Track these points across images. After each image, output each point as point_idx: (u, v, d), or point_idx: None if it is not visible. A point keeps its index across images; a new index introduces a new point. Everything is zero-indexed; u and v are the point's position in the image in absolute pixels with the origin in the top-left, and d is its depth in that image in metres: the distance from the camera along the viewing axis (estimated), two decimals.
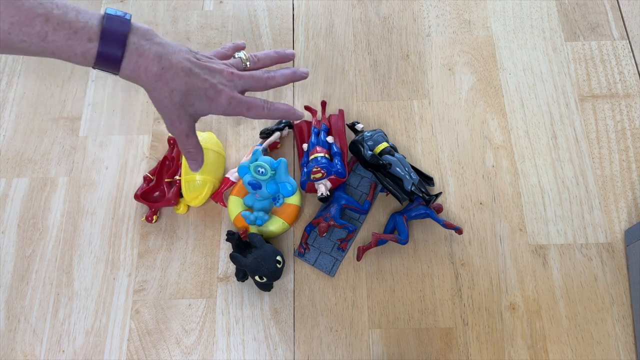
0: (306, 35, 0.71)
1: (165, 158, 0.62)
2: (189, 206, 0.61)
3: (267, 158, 0.57)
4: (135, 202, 0.62)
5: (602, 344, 0.54)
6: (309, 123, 0.64)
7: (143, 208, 0.62)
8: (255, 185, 0.57)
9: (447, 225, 0.57)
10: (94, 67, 0.43)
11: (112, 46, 0.42)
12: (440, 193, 0.59)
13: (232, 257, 0.54)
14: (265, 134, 0.62)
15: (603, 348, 0.54)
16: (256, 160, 0.56)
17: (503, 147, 0.63)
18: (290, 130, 0.64)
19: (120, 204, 0.62)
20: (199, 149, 0.51)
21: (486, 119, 0.65)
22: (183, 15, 0.73)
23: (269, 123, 0.66)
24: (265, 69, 0.53)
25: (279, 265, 0.54)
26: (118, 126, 0.66)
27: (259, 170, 0.56)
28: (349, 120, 0.65)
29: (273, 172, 0.56)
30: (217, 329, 0.56)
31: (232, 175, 0.60)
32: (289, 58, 0.54)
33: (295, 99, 0.67)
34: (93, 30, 0.42)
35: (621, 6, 0.71)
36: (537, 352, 0.54)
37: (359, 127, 0.62)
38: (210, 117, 0.66)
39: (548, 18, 0.70)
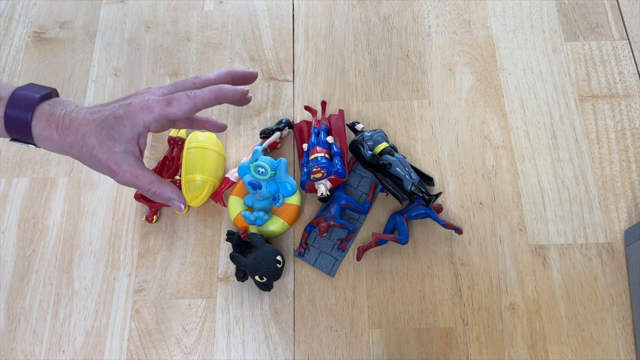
0: (306, 35, 0.71)
1: (165, 158, 0.62)
2: (189, 206, 0.61)
3: (267, 158, 0.57)
4: (135, 202, 0.62)
5: (602, 344, 0.54)
6: (309, 123, 0.64)
7: (143, 208, 0.62)
8: (255, 185, 0.57)
9: (447, 225, 0.57)
10: (10, 138, 0.41)
11: (19, 108, 0.40)
12: (440, 193, 0.59)
13: (232, 257, 0.54)
14: (265, 134, 0.62)
15: (603, 348, 0.54)
16: (256, 160, 0.56)
17: (503, 147, 0.63)
18: (290, 130, 0.64)
19: (120, 204, 0.62)
20: (161, 184, 0.44)
21: (486, 119, 0.65)
22: (183, 15, 0.73)
23: (269, 123, 0.66)
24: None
25: (279, 265, 0.54)
26: None
27: (259, 170, 0.56)
28: (349, 120, 0.65)
29: (273, 172, 0.56)
30: (217, 329, 0.56)
31: (232, 175, 0.60)
32: (228, 94, 0.44)
33: (296, 99, 0.67)
34: (5, 92, 0.41)
35: (621, 6, 0.71)
36: (537, 352, 0.54)
37: (359, 127, 0.62)
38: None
39: (548, 18, 0.70)
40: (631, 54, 0.67)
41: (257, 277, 0.54)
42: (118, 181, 0.43)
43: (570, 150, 0.63)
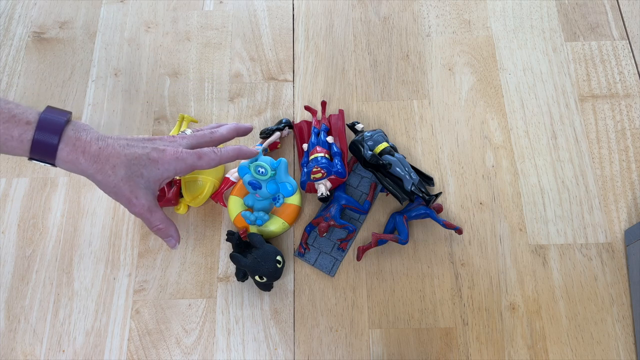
0: (306, 35, 0.71)
1: None
2: (189, 206, 0.61)
3: (267, 158, 0.56)
4: None
5: (602, 344, 0.54)
6: (309, 123, 0.64)
7: None
8: (256, 185, 0.57)
9: (447, 225, 0.57)
10: (29, 156, 0.44)
11: (48, 133, 0.43)
12: (440, 193, 0.59)
13: (232, 257, 0.54)
14: (265, 134, 0.62)
15: (603, 348, 0.54)
16: (256, 160, 0.56)
17: (503, 147, 0.63)
18: (290, 130, 0.64)
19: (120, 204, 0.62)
20: (168, 223, 0.49)
21: (486, 119, 0.65)
22: (183, 15, 0.73)
23: (269, 123, 0.66)
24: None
25: (279, 265, 0.54)
26: (118, 126, 0.66)
27: (259, 170, 0.56)
28: (349, 120, 0.65)
29: (273, 172, 0.56)
30: (217, 329, 0.56)
31: (232, 175, 0.60)
32: (243, 133, 0.56)
33: (296, 99, 0.67)
34: (32, 116, 0.43)
35: (621, 6, 0.71)
36: (537, 352, 0.54)
37: (359, 127, 0.62)
38: (210, 116, 0.66)
39: (548, 18, 0.70)
40: (631, 54, 0.67)
41: (257, 277, 0.54)
42: (132, 211, 0.47)
43: (570, 150, 0.63)
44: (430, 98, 0.66)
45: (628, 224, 0.59)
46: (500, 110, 0.65)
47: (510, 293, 0.56)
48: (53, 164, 0.45)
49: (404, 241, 0.56)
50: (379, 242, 0.57)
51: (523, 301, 0.56)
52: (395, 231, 0.58)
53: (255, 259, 0.53)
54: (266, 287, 0.56)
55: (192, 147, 0.50)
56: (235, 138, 0.58)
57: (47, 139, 0.43)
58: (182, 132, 0.54)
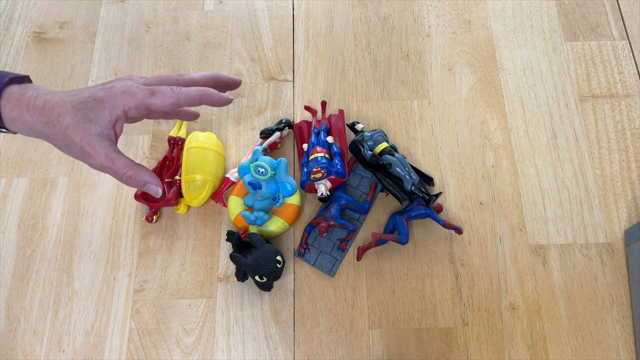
0: (306, 35, 0.71)
1: (165, 158, 0.62)
2: (189, 206, 0.61)
3: (267, 158, 0.56)
4: (135, 202, 0.62)
5: (602, 344, 0.54)
6: (309, 123, 0.64)
7: (143, 208, 0.62)
8: (256, 185, 0.57)
9: (447, 225, 0.57)
10: None
11: None
12: (440, 193, 0.59)
13: (232, 257, 0.54)
14: (265, 134, 0.62)
15: (603, 348, 0.54)
16: (256, 160, 0.56)
17: (503, 147, 0.63)
18: (290, 130, 0.64)
19: (120, 204, 0.62)
20: (137, 168, 0.43)
21: (486, 119, 0.65)
22: (183, 15, 0.73)
23: (269, 123, 0.66)
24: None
25: (279, 265, 0.54)
26: None
27: (259, 170, 0.56)
28: (349, 120, 0.65)
29: (273, 172, 0.56)
30: (217, 329, 0.56)
31: (232, 175, 0.60)
32: (213, 98, 0.44)
33: (296, 99, 0.67)
34: None
35: (621, 6, 0.71)
36: (537, 352, 0.54)
37: (359, 127, 0.62)
38: (210, 116, 0.66)
39: (548, 18, 0.70)
40: (631, 54, 0.67)
41: (257, 277, 0.54)
42: (91, 165, 0.41)
43: (570, 150, 0.63)
44: (430, 98, 0.66)
45: (628, 224, 0.59)
46: (500, 110, 0.65)
47: (510, 293, 0.56)
48: (4, 127, 0.41)
49: (404, 241, 0.56)
50: (379, 242, 0.57)
51: (523, 301, 0.56)
52: (395, 231, 0.58)
53: (255, 259, 0.53)
54: (266, 287, 0.56)
55: (150, 85, 0.42)
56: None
57: None
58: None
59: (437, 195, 0.58)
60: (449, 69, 0.68)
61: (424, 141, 0.64)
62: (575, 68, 0.67)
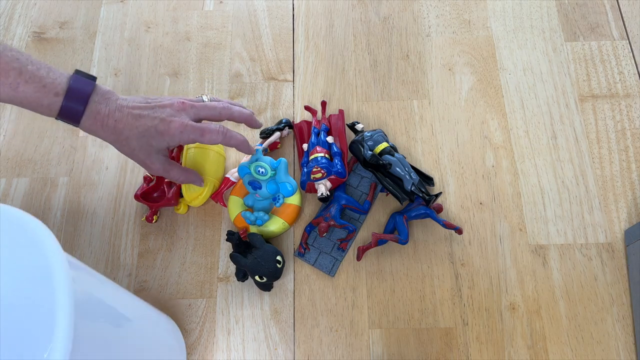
0: (306, 35, 0.71)
1: None
2: (189, 206, 0.61)
3: (267, 158, 0.56)
4: (135, 202, 0.62)
5: (602, 344, 0.54)
6: (309, 123, 0.64)
7: (143, 208, 0.62)
8: (255, 185, 0.57)
9: (447, 225, 0.57)
10: (56, 118, 0.48)
11: (74, 102, 0.47)
12: (440, 193, 0.59)
13: (232, 257, 0.54)
14: (265, 134, 0.62)
15: (603, 348, 0.54)
16: (256, 160, 0.56)
17: (503, 147, 0.63)
18: (290, 130, 0.64)
19: (120, 204, 0.62)
20: (186, 173, 0.54)
21: (486, 119, 0.65)
22: (183, 15, 0.73)
23: (269, 123, 0.66)
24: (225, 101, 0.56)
25: (279, 265, 0.54)
26: None
27: (259, 170, 0.56)
28: (349, 120, 0.65)
29: (273, 172, 0.56)
30: (217, 329, 0.56)
31: (232, 175, 0.60)
32: (247, 120, 0.55)
33: (296, 99, 0.67)
34: (60, 87, 0.47)
35: (621, 6, 0.71)
36: (537, 352, 0.54)
37: (359, 127, 0.62)
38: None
39: (548, 18, 0.70)
40: (631, 54, 0.67)
41: (257, 277, 0.54)
42: (151, 172, 0.52)
43: (570, 150, 0.63)
44: (430, 98, 0.66)
45: (628, 224, 0.59)
46: (500, 110, 0.65)
47: (510, 293, 0.56)
48: (77, 126, 0.49)
49: (404, 241, 0.56)
50: (379, 242, 0.57)
51: (523, 301, 0.56)
52: (395, 231, 0.58)
53: (255, 259, 0.53)
54: (266, 287, 0.56)
55: (199, 119, 0.52)
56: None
57: (73, 111, 0.47)
58: (199, 97, 0.55)
59: (437, 195, 0.58)
60: (449, 69, 0.68)
61: (424, 141, 0.64)
62: (575, 68, 0.67)
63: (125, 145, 0.50)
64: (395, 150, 0.61)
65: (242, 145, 0.53)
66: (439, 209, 0.59)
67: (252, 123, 0.55)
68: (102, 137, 0.50)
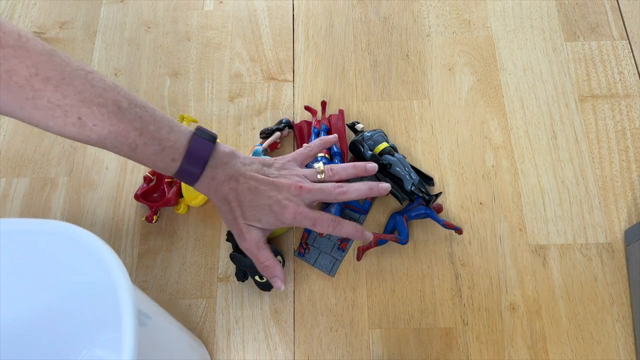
0: (306, 35, 0.71)
1: None
2: (189, 206, 0.61)
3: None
4: (135, 202, 0.62)
5: (602, 344, 0.54)
6: (309, 123, 0.64)
7: (143, 208, 0.62)
8: None
9: (447, 225, 0.57)
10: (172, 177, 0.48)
11: (192, 166, 0.46)
12: (440, 193, 0.59)
13: (232, 257, 0.54)
14: (265, 134, 0.62)
15: (603, 348, 0.54)
16: None
17: (503, 147, 0.63)
18: (290, 130, 0.64)
19: (120, 204, 0.62)
20: (275, 262, 0.50)
21: (486, 119, 0.65)
22: (183, 15, 0.73)
23: (269, 123, 0.66)
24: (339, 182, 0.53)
25: None
26: None
27: None
28: (349, 120, 0.65)
29: None
30: (217, 329, 0.56)
31: None
32: (369, 173, 0.54)
33: (296, 99, 0.67)
34: (179, 152, 0.45)
35: (621, 6, 0.71)
36: (537, 352, 0.54)
37: (359, 127, 0.62)
38: (210, 117, 0.66)
39: (548, 18, 0.70)
40: (631, 54, 0.67)
41: (257, 277, 0.54)
42: (241, 244, 0.50)
43: (570, 150, 0.63)
44: (430, 98, 0.66)
45: (628, 224, 0.59)
46: (500, 110, 0.65)
47: (510, 293, 0.56)
48: (191, 185, 0.49)
49: (404, 241, 0.56)
50: (379, 242, 0.57)
51: (523, 301, 0.56)
52: (395, 231, 0.58)
53: None
54: (266, 287, 0.56)
55: (312, 203, 0.51)
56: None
57: (189, 174, 0.47)
58: (313, 166, 0.53)
59: (437, 195, 0.58)
60: (449, 69, 0.68)
61: (424, 141, 0.64)
62: (575, 68, 0.67)
63: (230, 211, 0.49)
64: (395, 150, 0.61)
65: (356, 235, 0.51)
66: (439, 209, 0.59)
67: (374, 192, 0.53)
68: (212, 199, 0.49)
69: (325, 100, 0.65)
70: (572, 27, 0.70)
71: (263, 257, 0.50)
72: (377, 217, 0.60)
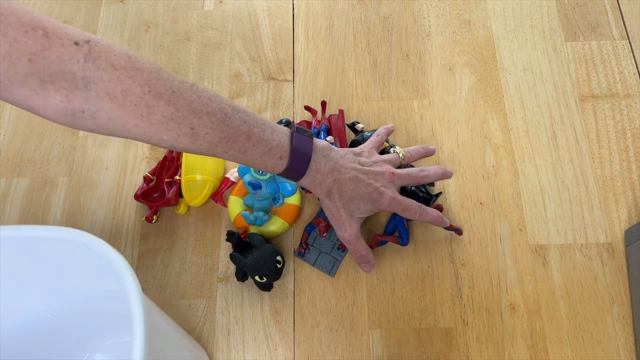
0: (306, 35, 0.71)
1: (165, 158, 0.62)
2: (189, 206, 0.61)
3: None
4: (135, 202, 0.62)
5: (602, 344, 0.54)
6: (309, 123, 0.64)
7: (143, 208, 0.62)
8: (256, 185, 0.56)
9: (448, 227, 0.57)
10: (278, 174, 0.50)
11: (298, 164, 0.48)
12: (440, 193, 0.59)
13: (232, 257, 0.54)
14: None
15: (603, 348, 0.54)
16: None
17: (503, 147, 0.63)
18: None
19: (120, 204, 0.62)
20: (369, 251, 0.54)
21: (486, 119, 0.65)
22: (183, 15, 0.73)
23: None
24: (417, 167, 0.57)
25: (279, 265, 0.54)
26: None
27: (259, 170, 0.56)
28: (349, 120, 0.65)
29: None
30: (217, 329, 0.56)
31: (232, 175, 0.60)
32: (432, 153, 0.59)
33: (296, 99, 0.67)
34: (284, 149, 0.47)
35: (621, 6, 0.70)
36: (537, 352, 0.54)
37: (359, 127, 0.62)
38: None
39: (548, 18, 0.70)
40: (631, 54, 0.67)
41: (257, 277, 0.54)
42: (340, 235, 0.53)
43: (570, 150, 0.63)
44: (430, 98, 0.66)
45: (628, 224, 0.59)
46: (500, 110, 0.65)
47: (510, 293, 0.56)
48: (295, 182, 0.51)
49: (405, 242, 0.56)
50: (380, 243, 0.57)
51: (523, 301, 0.56)
52: (396, 232, 0.58)
53: (255, 259, 0.53)
54: (266, 287, 0.56)
55: (400, 187, 0.54)
56: None
57: (297, 171, 0.49)
58: (394, 151, 0.57)
59: (437, 195, 0.58)
60: (449, 69, 0.68)
61: (424, 141, 0.64)
62: (575, 68, 0.67)
63: (337, 201, 0.51)
64: (388, 150, 0.60)
65: (437, 221, 0.55)
66: (440, 209, 0.58)
67: (447, 175, 0.57)
68: (315, 192, 0.51)
69: (325, 100, 0.65)
70: (572, 27, 0.70)
71: (360, 248, 0.54)
72: (378, 218, 0.60)
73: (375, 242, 0.56)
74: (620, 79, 0.66)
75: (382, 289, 0.57)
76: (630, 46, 0.68)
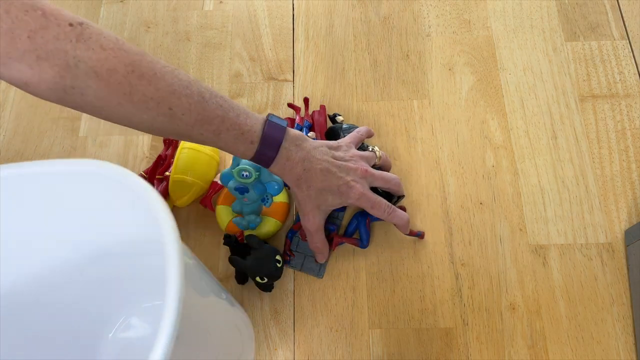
0: (306, 35, 0.71)
1: (159, 157, 0.62)
2: (188, 207, 0.61)
3: (247, 161, 0.55)
4: None
5: (602, 344, 0.54)
6: (292, 120, 0.64)
7: None
8: (242, 190, 0.56)
9: (410, 233, 0.57)
10: (250, 160, 0.51)
11: (268, 149, 0.49)
12: (403, 196, 0.58)
13: (232, 260, 0.54)
14: None
15: (603, 348, 0.54)
16: (238, 165, 0.55)
17: (503, 147, 0.63)
18: None
19: None
20: (325, 243, 0.56)
21: (486, 119, 0.65)
22: (183, 15, 0.73)
23: None
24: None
25: (278, 265, 0.54)
26: (118, 126, 0.66)
27: (243, 174, 0.55)
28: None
29: (257, 173, 0.55)
30: None
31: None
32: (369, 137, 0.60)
33: (296, 99, 0.67)
34: (256, 135, 0.49)
35: (621, 6, 0.70)
36: (537, 352, 0.54)
37: (339, 119, 0.63)
38: None
39: (548, 18, 0.70)
40: (631, 54, 0.67)
41: (257, 279, 0.54)
42: (304, 224, 0.54)
43: (570, 150, 0.63)
44: (430, 98, 0.66)
45: (628, 224, 0.59)
46: (500, 110, 0.65)
47: (510, 293, 0.56)
48: (267, 168, 0.52)
49: (364, 245, 0.57)
50: (340, 244, 0.58)
51: (523, 301, 0.56)
52: (356, 233, 0.58)
53: (254, 260, 0.53)
54: (267, 287, 0.56)
55: (370, 185, 0.55)
56: None
57: (266, 156, 0.50)
58: (369, 148, 0.58)
59: (399, 198, 0.58)
60: (449, 69, 0.68)
61: (424, 141, 0.64)
62: (575, 68, 0.67)
63: (305, 191, 0.52)
64: (365, 149, 0.59)
65: (404, 225, 0.56)
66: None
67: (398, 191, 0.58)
68: (285, 180, 0.52)
69: (324, 100, 0.65)
70: (572, 27, 0.70)
71: (317, 240, 0.55)
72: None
73: (334, 244, 0.57)
74: (620, 79, 0.66)
75: (382, 289, 0.57)
76: (630, 46, 0.68)
